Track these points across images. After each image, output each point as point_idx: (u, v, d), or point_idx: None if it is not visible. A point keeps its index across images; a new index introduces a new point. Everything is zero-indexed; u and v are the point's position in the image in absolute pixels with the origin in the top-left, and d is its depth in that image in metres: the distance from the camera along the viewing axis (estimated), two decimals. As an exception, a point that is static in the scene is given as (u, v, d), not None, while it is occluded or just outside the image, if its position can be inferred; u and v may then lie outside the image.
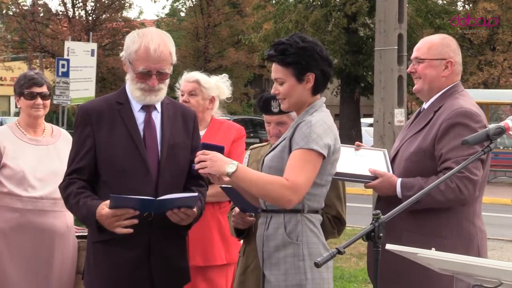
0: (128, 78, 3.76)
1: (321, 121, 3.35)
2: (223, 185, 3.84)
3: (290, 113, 3.89)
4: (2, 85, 46.24)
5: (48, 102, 4.65)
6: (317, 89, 3.46)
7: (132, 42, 3.69)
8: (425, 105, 3.86)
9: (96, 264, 3.70)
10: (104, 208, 3.51)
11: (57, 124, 14.23)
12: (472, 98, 3.83)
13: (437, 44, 3.81)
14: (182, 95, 4.77)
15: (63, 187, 3.72)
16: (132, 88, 3.73)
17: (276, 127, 3.91)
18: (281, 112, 3.86)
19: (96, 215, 3.53)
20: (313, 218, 3.38)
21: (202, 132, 4.75)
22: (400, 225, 3.39)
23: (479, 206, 3.77)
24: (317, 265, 2.74)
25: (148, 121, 3.74)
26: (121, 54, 3.77)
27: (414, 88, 3.91)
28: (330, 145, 3.33)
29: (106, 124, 3.68)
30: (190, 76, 4.81)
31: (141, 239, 3.63)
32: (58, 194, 4.50)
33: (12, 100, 47.70)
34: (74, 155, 3.73)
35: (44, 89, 4.63)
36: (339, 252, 2.74)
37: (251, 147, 4.21)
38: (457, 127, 3.60)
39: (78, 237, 4.64)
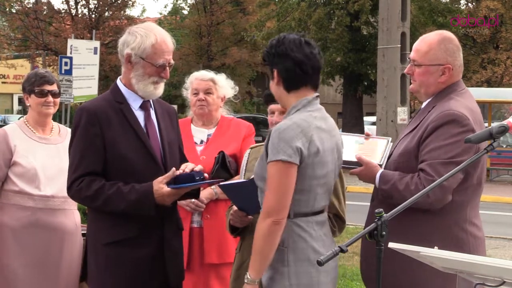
0: (136, 75, 3.73)
1: (293, 124, 3.29)
2: (221, 183, 3.87)
3: None
4: (5, 83, 46.23)
5: (58, 100, 4.67)
6: (286, 86, 3.42)
7: (143, 37, 3.69)
8: (422, 105, 3.80)
9: (110, 265, 3.68)
10: (163, 187, 3.59)
11: (60, 122, 14.25)
12: (471, 98, 3.72)
13: (435, 48, 3.68)
14: (196, 93, 4.79)
15: (86, 185, 3.64)
16: (142, 85, 3.73)
17: (279, 116, 3.93)
18: None
19: (155, 194, 3.57)
20: (302, 223, 3.35)
21: (212, 130, 4.80)
22: (390, 228, 3.35)
23: (473, 211, 3.66)
24: (320, 263, 2.74)
25: (148, 120, 3.79)
26: (125, 52, 3.74)
27: (410, 87, 3.85)
28: (302, 149, 3.26)
29: (112, 124, 3.68)
30: (204, 75, 4.85)
31: (154, 236, 3.71)
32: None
33: (15, 98, 47.78)
34: (85, 156, 3.66)
35: (54, 87, 4.65)
36: (342, 251, 2.74)
37: (251, 146, 4.24)
38: (440, 129, 3.52)
39: (84, 235, 4.64)
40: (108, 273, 3.69)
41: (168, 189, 3.59)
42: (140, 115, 3.77)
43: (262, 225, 3.26)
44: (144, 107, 3.79)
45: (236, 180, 4.20)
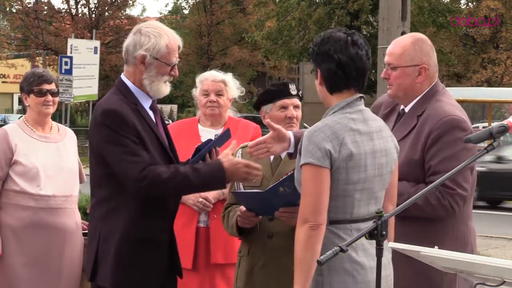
0: (149, 75, 3.71)
1: (325, 126, 3.15)
2: (235, 191, 3.86)
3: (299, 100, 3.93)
4: (5, 82, 46.25)
5: (56, 99, 4.66)
6: (329, 87, 3.26)
7: (157, 38, 3.70)
8: (406, 109, 3.75)
9: (133, 262, 3.66)
10: (232, 157, 3.68)
11: (60, 121, 14.26)
12: (452, 98, 3.74)
13: (409, 49, 3.67)
14: (206, 94, 4.79)
15: (161, 168, 3.58)
16: (155, 85, 3.73)
17: (294, 111, 3.88)
18: (297, 95, 3.90)
19: (224, 164, 3.63)
20: (339, 230, 3.16)
21: (219, 130, 4.80)
22: (397, 231, 3.35)
23: (471, 206, 3.71)
24: (320, 263, 2.72)
25: (158, 119, 3.82)
26: (138, 53, 3.70)
27: (388, 93, 3.80)
28: (331, 152, 3.11)
29: (136, 125, 3.66)
30: (216, 76, 4.83)
31: (168, 231, 3.78)
32: (68, 191, 4.55)
33: (15, 97, 47.77)
34: (139, 149, 3.61)
35: (53, 86, 4.65)
36: (342, 250, 2.73)
37: (241, 145, 4.11)
38: (445, 137, 3.52)
39: (84, 234, 4.63)
40: (129, 271, 3.66)
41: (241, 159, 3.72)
42: (151, 116, 3.78)
43: (300, 232, 3.12)
44: (152, 107, 3.80)
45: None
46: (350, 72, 3.22)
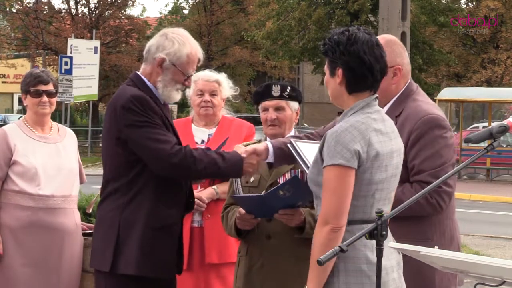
0: (164, 79, 3.81)
1: (351, 127, 3.11)
2: (235, 195, 3.87)
3: (289, 101, 3.92)
4: (5, 82, 46.25)
5: (54, 100, 4.67)
6: (350, 88, 3.20)
7: (180, 45, 3.80)
8: (383, 110, 3.71)
9: (156, 248, 3.75)
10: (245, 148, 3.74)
11: (60, 121, 14.26)
12: (427, 96, 3.80)
13: None
14: (200, 94, 4.79)
15: (189, 148, 3.72)
16: (167, 90, 3.83)
17: (274, 113, 3.90)
18: (281, 97, 3.89)
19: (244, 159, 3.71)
20: (356, 230, 3.06)
21: (213, 130, 4.81)
22: (391, 230, 3.36)
23: (454, 200, 3.76)
24: (320, 263, 2.72)
25: (168, 117, 3.93)
26: (158, 55, 3.79)
27: None
28: (360, 152, 3.08)
29: (160, 112, 3.79)
30: (210, 76, 4.84)
31: (179, 225, 3.91)
32: (67, 191, 4.56)
33: (15, 97, 47.79)
34: (166, 131, 3.74)
35: (50, 87, 4.65)
36: (342, 250, 2.73)
37: (237, 146, 4.16)
38: (426, 136, 3.57)
39: (84, 234, 4.63)
40: (153, 257, 3.74)
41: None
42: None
43: (320, 233, 3.08)
44: (164, 105, 3.90)
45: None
46: (376, 74, 3.20)
